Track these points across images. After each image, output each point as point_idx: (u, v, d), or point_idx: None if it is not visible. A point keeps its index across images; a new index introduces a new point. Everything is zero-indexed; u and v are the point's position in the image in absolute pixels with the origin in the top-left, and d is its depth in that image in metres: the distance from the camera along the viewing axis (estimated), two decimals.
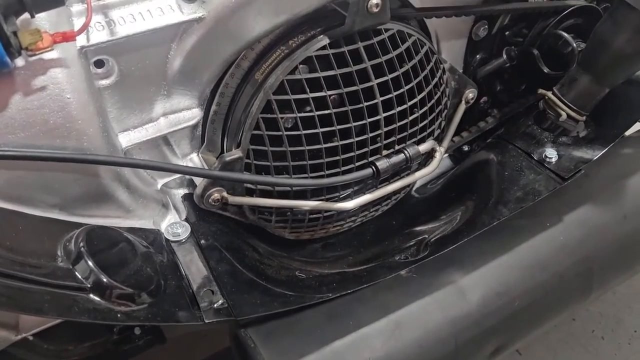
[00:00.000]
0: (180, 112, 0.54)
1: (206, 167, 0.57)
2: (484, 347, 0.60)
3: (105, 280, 0.43)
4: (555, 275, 0.64)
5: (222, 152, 0.58)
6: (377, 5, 0.49)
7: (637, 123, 0.84)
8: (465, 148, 0.79)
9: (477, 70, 0.73)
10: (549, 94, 0.68)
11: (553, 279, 0.64)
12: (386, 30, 0.54)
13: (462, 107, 0.67)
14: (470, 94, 0.67)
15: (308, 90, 0.51)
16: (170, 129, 0.54)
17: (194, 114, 0.55)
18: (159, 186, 0.57)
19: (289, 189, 0.55)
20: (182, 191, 0.58)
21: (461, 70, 0.72)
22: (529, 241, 0.64)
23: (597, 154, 0.65)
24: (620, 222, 0.68)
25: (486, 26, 0.69)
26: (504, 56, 0.71)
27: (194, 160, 0.58)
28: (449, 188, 0.74)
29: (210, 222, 0.57)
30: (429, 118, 0.60)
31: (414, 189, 0.78)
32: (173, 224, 0.54)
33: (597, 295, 0.69)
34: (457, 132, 0.77)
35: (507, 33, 0.71)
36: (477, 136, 0.78)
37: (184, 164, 0.57)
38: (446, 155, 0.81)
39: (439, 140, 0.65)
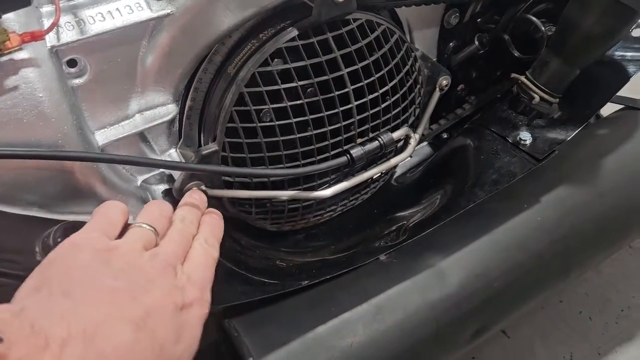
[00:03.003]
0: (156, 108, 0.55)
1: (184, 162, 0.58)
2: (465, 328, 0.61)
3: None
4: (533, 255, 0.65)
5: (199, 146, 0.59)
6: None
7: (614, 104, 0.86)
8: (445, 135, 0.80)
9: (451, 58, 0.74)
10: (522, 77, 0.69)
11: (531, 259, 0.65)
12: (355, 20, 0.55)
13: (437, 94, 0.68)
14: (444, 81, 0.68)
15: (279, 81, 0.52)
16: (146, 125, 0.54)
17: (170, 110, 0.56)
18: (138, 182, 0.58)
19: (266, 179, 0.56)
20: (162, 187, 0.59)
21: (435, 58, 0.73)
22: (506, 223, 0.65)
23: (570, 134, 0.67)
24: (597, 201, 0.69)
25: (457, 14, 0.70)
26: (476, 43, 0.72)
27: (172, 155, 0.59)
28: (427, 175, 0.75)
29: None
30: (402, 105, 0.61)
31: (394, 177, 0.79)
32: None
33: (577, 275, 0.71)
34: (435, 120, 0.78)
35: (479, 20, 0.73)
36: (456, 123, 0.79)
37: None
38: (425, 143, 0.82)
39: (414, 126, 0.66)
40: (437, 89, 0.68)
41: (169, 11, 0.48)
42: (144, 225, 0.41)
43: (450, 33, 0.71)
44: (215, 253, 0.45)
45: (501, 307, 0.64)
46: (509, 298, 0.64)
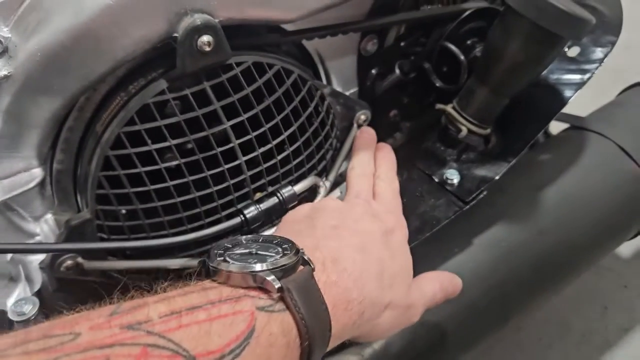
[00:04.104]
0: (16, 175, 0.48)
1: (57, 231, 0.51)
2: None
3: None
4: (466, 305, 0.59)
5: (78, 210, 0.52)
6: (208, 43, 0.43)
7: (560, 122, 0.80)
8: None
9: (376, 85, 0.67)
10: (449, 108, 0.63)
11: (464, 310, 0.59)
12: (239, 64, 0.48)
13: (354, 131, 0.61)
14: (363, 116, 0.61)
15: (149, 141, 0.46)
16: (7, 195, 0.48)
17: (34, 175, 0.49)
18: (8, 256, 0.51)
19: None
20: (41, 257, 0.53)
21: (357, 89, 0.67)
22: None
23: (501, 170, 0.60)
24: (536, 239, 0.63)
25: (375, 40, 0.63)
26: (397, 71, 0.65)
27: (49, 222, 0.52)
28: None
29: (71, 290, 0.52)
30: (305, 153, 0.54)
31: None
32: (19, 302, 0.48)
33: (517, 319, 0.65)
34: None
35: (402, 44, 0.66)
36: None
37: (37, 228, 0.52)
38: None
39: (327, 171, 0.60)
40: (355, 125, 0.62)
41: (6, 73, 0.42)
42: None
43: (369, 61, 0.64)
44: (395, 184, 0.55)
45: None
46: (438, 356, 0.58)
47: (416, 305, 0.47)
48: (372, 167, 0.55)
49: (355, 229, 0.45)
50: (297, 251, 0.38)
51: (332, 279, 0.39)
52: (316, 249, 0.41)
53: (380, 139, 0.72)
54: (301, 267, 0.37)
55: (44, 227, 0.52)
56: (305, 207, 0.50)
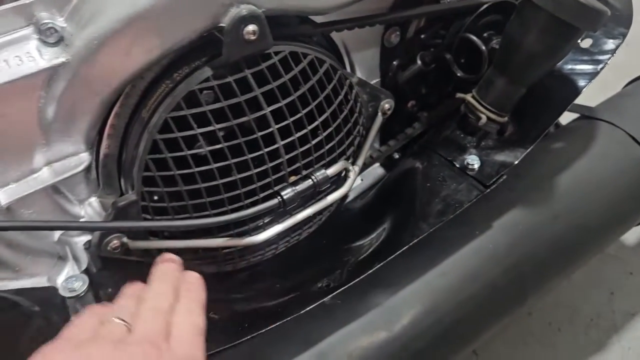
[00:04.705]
0: (66, 159, 0.51)
1: (103, 213, 0.54)
2: None
3: None
4: (486, 285, 0.62)
5: (121, 193, 0.55)
6: (254, 32, 0.46)
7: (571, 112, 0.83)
8: (396, 156, 0.77)
9: (397, 76, 0.70)
10: (468, 97, 0.66)
11: (484, 290, 0.62)
12: (276, 53, 0.51)
13: (379, 120, 0.64)
14: (387, 104, 0.64)
15: (195, 126, 0.48)
16: (57, 178, 0.50)
17: (82, 159, 0.51)
18: (56, 237, 0.54)
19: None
20: (85, 238, 0.55)
21: (379, 79, 0.70)
22: (457, 253, 0.62)
23: (519, 156, 0.63)
24: (552, 223, 0.66)
25: (398, 32, 0.66)
26: (419, 62, 0.68)
27: (93, 204, 0.55)
28: (377, 202, 0.72)
29: (115, 269, 0.54)
30: (337, 138, 0.57)
31: (347, 202, 0.75)
32: (69, 279, 0.51)
33: (533, 301, 0.68)
34: (386, 140, 0.75)
35: (423, 36, 0.69)
36: (408, 142, 0.75)
37: (82, 211, 0.54)
38: (377, 164, 0.78)
39: (355, 157, 0.62)
40: (380, 113, 0.64)
41: (63, 60, 0.44)
42: (115, 320, 0.39)
43: (392, 52, 0.67)
44: (198, 320, 0.42)
45: (453, 344, 0.61)
46: (461, 333, 0.61)
47: None
48: (170, 299, 0.42)
49: None
50: None
51: None
52: None
53: (399, 128, 0.75)
54: None
55: (88, 210, 0.55)
56: (66, 349, 0.36)
